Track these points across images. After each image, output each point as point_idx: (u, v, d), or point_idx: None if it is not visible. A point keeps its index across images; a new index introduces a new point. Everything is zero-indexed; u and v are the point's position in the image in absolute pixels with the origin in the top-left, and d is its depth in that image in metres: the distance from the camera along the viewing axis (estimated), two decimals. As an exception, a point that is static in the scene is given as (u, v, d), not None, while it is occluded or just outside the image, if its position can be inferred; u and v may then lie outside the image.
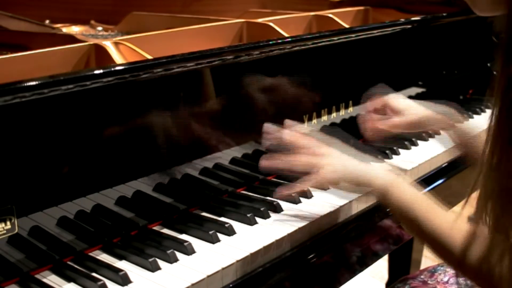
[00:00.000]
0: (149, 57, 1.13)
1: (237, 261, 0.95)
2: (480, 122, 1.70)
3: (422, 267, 1.70)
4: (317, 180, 1.03)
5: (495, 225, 0.80)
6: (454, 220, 0.91)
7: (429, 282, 1.23)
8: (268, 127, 1.10)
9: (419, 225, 0.94)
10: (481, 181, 0.81)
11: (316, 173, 1.03)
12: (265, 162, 1.07)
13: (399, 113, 1.25)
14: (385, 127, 1.25)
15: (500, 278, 0.80)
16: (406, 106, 1.25)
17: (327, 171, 1.03)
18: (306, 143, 1.07)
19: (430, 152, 1.43)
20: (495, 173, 0.78)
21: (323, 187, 1.04)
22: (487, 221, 0.81)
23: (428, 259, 2.11)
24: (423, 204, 0.96)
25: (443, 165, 1.45)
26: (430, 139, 1.55)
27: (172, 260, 0.95)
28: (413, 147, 1.48)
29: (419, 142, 1.51)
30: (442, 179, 1.40)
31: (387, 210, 1.01)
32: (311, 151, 1.05)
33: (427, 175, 1.39)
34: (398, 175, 1.03)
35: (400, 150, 1.44)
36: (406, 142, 1.47)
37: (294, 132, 1.09)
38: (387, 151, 1.40)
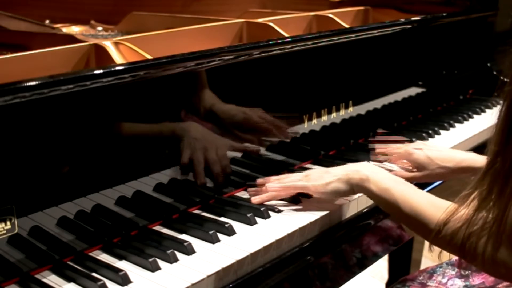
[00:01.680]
0: (149, 57, 1.13)
1: (237, 261, 0.95)
2: (480, 123, 1.70)
3: (422, 267, 1.70)
4: (304, 185, 1.11)
5: (481, 203, 0.86)
6: (434, 199, 0.99)
7: (428, 283, 1.23)
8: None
9: (399, 206, 1.00)
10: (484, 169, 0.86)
11: (304, 183, 1.12)
12: (255, 199, 1.14)
13: (419, 167, 1.26)
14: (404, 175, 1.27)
15: (475, 252, 0.87)
16: (426, 161, 1.25)
17: (313, 178, 1.11)
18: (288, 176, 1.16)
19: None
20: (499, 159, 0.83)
21: (308, 193, 1.12)
22: (473, 200, 0.87)
23: (427, 259, 2.11)
24: (401, 187, 1.03)
25: (443, 165, 1.44)
26: (430, 139, 1.55)
27: (172, 260, 0.95)
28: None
29: (419, 142, 1.51)
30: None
31: (368, 197, 1.09)
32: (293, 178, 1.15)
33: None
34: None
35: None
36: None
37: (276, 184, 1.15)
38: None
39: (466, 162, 1.23)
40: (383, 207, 1.07)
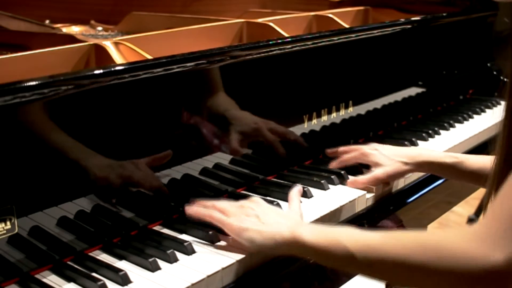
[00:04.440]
0: (149, 57, 1.13)
1: (237, 261, 0.95)
2: (480, 123, 1.70)
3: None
4: (228, 224, 0.98)
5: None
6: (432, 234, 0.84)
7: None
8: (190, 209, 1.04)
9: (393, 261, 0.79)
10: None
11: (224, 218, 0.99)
12: (191, 210, 1.03)
13: (377, 166, 1.24)
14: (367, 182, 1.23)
15: None
16: (383, 159, 1.25)
17: (236, 221, 0.97)
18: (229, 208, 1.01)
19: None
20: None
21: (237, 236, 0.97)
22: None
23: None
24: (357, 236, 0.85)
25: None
26: (430, 139, 1.55)
27: (172, 260, 0.95)
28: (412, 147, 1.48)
29: (419, 142, 1.52)
30: (442, 179, 1.40)
31: (305, 259, 0.95)
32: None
33: (427, 175, 1.39)
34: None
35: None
36: (406, 142, 1.47)
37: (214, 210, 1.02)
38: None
39: (421, 157, 1.24)
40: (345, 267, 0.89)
